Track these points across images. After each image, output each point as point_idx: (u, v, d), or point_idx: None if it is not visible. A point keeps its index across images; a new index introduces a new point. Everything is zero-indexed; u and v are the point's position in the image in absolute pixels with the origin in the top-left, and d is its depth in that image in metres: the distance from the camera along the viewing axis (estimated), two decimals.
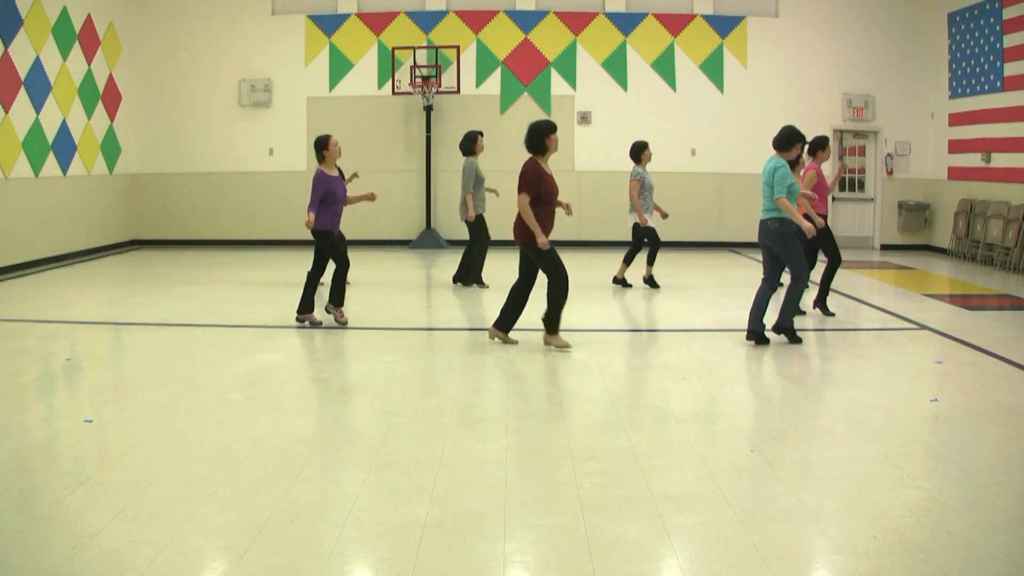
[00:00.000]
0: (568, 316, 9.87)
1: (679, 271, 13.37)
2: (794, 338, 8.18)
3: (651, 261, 11.54)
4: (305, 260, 14.57)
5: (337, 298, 9.01)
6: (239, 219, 16.93)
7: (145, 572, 3.64)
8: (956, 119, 15.67)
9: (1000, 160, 14.38)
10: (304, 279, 9.10)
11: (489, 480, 4.73)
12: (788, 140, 8.21)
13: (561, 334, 8.02)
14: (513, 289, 8.14)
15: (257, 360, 7.56)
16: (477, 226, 11.50)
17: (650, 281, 11.57)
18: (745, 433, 5.59)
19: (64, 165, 14.41)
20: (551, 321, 7.98)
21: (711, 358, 7.77)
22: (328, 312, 9.03)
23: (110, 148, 16.01)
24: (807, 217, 9.10)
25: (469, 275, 11.66)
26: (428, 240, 16.52)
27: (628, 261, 11.66)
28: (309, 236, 17.06)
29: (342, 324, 8.95)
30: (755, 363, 7.59)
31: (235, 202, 16.92)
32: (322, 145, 8.95)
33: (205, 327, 9.20)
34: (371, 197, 9.64)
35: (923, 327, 9.10)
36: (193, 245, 16.74)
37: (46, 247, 13.89)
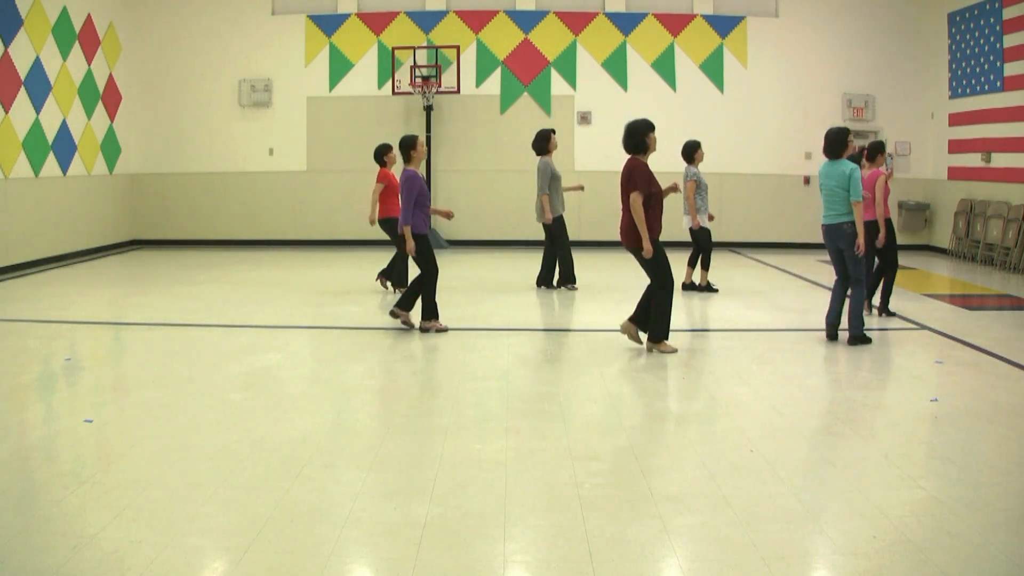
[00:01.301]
0: (568, 316, 9.89)
1: (678, 271, 13.35)
2: (866, 339, 8.20)
3: (694, 263, 11.34)
4: (303, 260, 14.64)
5: (410, 302, 8.74)
6: (239, 219, 16.93)
7: (145, 572, 3.64)
8: (956, 119, 15.66)
9: (1000, 160, 14.37)
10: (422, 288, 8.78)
11: (489, 480, 4.73)
12: (840, 142, 8.14)
13: (562, 334, 8.00)
14: (647, 293, 7.95)
15: (257, 360, 7.56)
16: (558, 226, 11.15)
17: (691, 286, 11.32)
18: (745, 433, 5.59)
19: (64, 165, 14.41)
20: (659, 328, 7.78)
21: (711, 358, 7.77)
22: (394, 316, 8.80)
23: (110, 148, 16.01)
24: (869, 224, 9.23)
25: (570, 273, 11.31)
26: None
27: (705, 266, 11.30)
28: (309, 236, 17.18)
29: (408, 327, 8.73)
30: (755, 363, 7.59)
31: (235, 202, 16.92)
32: (409, 145, 8.71)
33: (205, 327, 9.20)
34: (449, 215, 9.49)
35: (923, 327, 9.10)
36: (193, 245, 16.74)
37: (46, 247, 13.89)
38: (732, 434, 5.61)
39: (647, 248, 7.54)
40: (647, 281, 11.60)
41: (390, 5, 16.75)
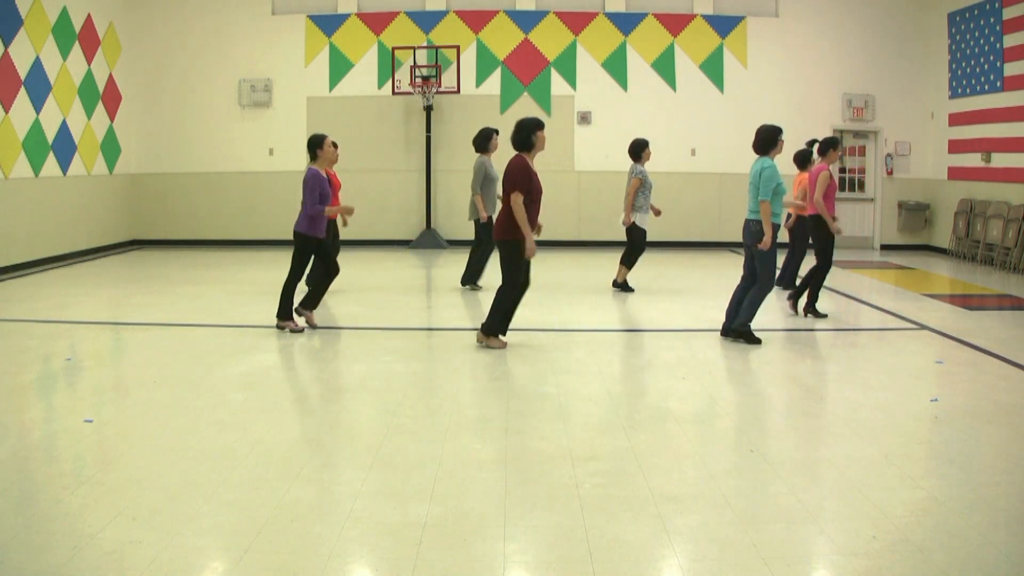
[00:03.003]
0: (568, 316, 9.89)
1: (679, 271, 13.36)
2: (752, 339, 8.15)
3: (626, 262, 11.22)
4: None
5: (313, 302, 8.76)
6: (239, 219, 16.92)
7: (145, 572, 3.64)
8: (956, 119, 15.67)
9: (1000, 160, 14.37)
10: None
11: (489, 480, 4.73)
12: (770, 140, 8.18)
13: (562, 334, 8.00)
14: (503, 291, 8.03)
15: (257, 360, 7.56)
16: (486, 227, 11.06)
17: (623, 285, 11.26)
18: (745, 433, 5.59)
19: (64, 165, 14.41)
20: (493, 323, 7.94)
21: (711, 358, 7.77)
22: (299, 314, 8.76)
23: (110, 148, 16.00)
24: (810, 219, 9.28)
25: (477, 275, 11.36)
26: (428, 240, 16.51)
27: (629, 265, 11.25)
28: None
29: (313, 327, 8.72)
30: (755, 363, 7.59)
31: (235, 202, 16.91)
32: (316, 144, 8.72)
33: (205, 327, 9.20)
34: (348, 211, 9.29)
35: (923, 327, 9.10)
36: (193, 245, 16.74)
37: (46, 247, 13.89)
38: (732, 434, 5.61)
39: (531, 247, 7.68)
40: (646, 281, 11.73)
41: (390, 5, 16.75)
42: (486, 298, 10.84)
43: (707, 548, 3.94)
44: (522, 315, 10.02)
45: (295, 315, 8.75)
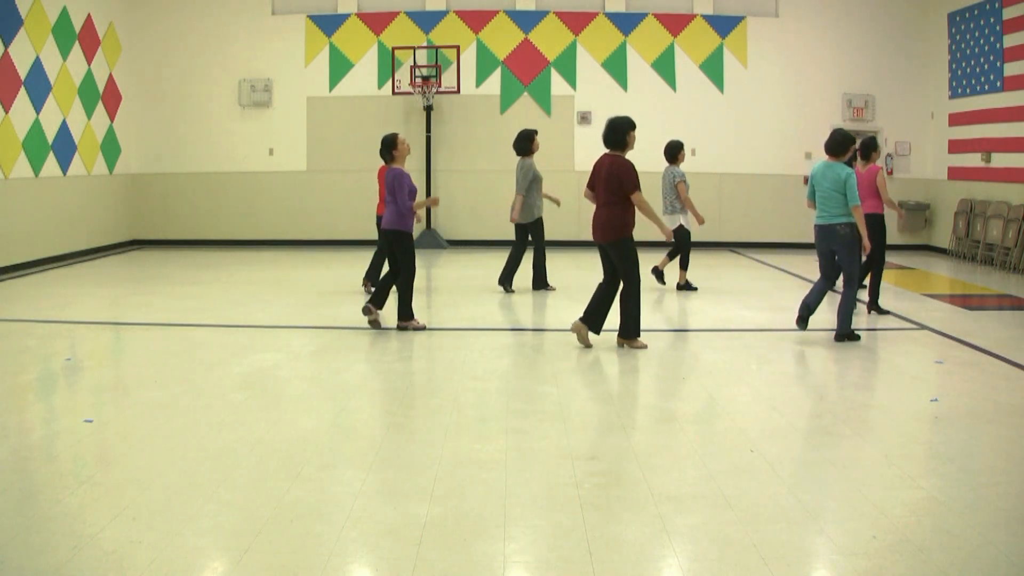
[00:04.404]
0: (568, 316, 9.87)
1: (678, 271, 13.34)
2: (854, 337, 8.26)
3: (685, 265, 11.42)
4: (303, 260, 14.64)
5: (381, 300, 8.74)
6: (239, 219, 16.92)
7: (145, 572, 3.64)
8: (956, 119, 15.66)
9: (1000, 160, 14.37)
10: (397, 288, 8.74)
11: (489, 480, 4.73)
12: (844, 145, 8.27)
13: (560, 333, 8.01)
14: (601, 288, 8.07)
15: (257, 360, 7.56)
16: (535, 228, 11.04)
17: (660, 275, 11.50)
18: (745, 433, 5.59)
19: (64, 165, 14.41)
20: (631, 325, 7.89)
21: (711, 358, 7.77)
22: (366, 314, 8.70)
23: (110, 148, 16.00)
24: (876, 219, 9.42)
25: (511, 277, 11.17)
26: (428, 240, 16.50)
27: (684, 266, 11.39)
28: (309, 236, 17.17)
29: (378, 326, 8.69)
30: (755, 363, 7.59)
31: (235, 202, 16.91)
32: (391, 144, 8.67)
33: (205, 327, 9.20)
34: (435, 202, 9.84)
35: (923, 327, 9.10)
36: (193, 245, 16.74)
37: (46, 247, 13.89)
38: (732, 434, 5.61)
39: (667, 232, 8.31)
40: (647, 281, 11.69)
41: (390, 5, 16.75)
42: (485, 298, 10.84)
43: (707, 548, 3.94)
44: (522, 315, 10.03)
45: (363, 312, 8.72)
